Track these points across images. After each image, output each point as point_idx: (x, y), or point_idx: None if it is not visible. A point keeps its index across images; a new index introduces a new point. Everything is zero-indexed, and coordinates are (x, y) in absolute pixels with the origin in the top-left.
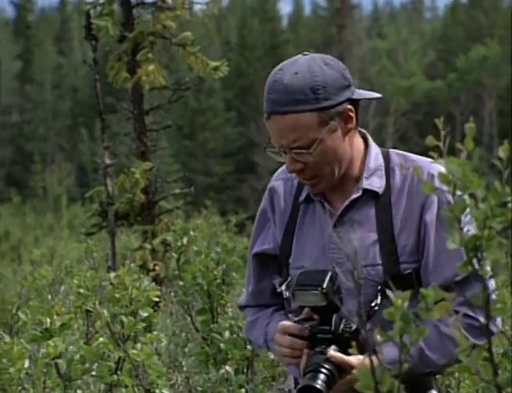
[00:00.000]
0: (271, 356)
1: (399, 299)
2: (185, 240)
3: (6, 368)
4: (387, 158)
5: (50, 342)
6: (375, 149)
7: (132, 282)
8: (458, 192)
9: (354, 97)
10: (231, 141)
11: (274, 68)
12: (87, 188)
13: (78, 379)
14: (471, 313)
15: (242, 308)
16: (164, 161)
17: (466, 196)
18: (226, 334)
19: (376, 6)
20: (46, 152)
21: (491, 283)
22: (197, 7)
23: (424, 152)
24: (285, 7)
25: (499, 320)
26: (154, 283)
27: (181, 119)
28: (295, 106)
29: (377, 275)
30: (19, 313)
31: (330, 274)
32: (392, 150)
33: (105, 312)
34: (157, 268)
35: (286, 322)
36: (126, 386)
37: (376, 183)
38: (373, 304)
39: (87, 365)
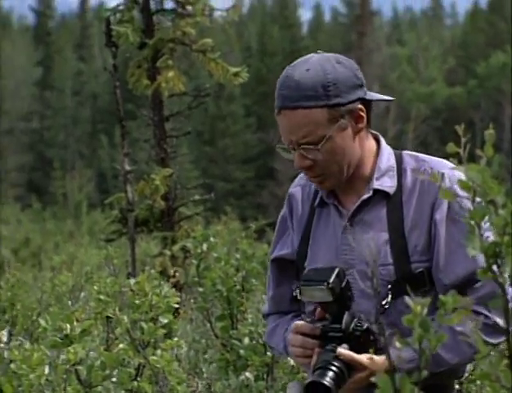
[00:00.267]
0: (291, 362)
1: (418, 305)
2: (205, 246)
3: (26, 375)
4: (399, 159)
5: (70, 348)
6: (387, 150)
7: (152, 288)
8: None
9: (366, 97)
10: (251, 147)
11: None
12: (107, 195)
13: (99, 385)
14: (485, 312)
15: (265, 316)
16: (184, 167)
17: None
18: (246, 340)
19: (396, 12)
20: (66, 159)
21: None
22: (217, 14)
23: (444, 159)
24: (305, 14)
25: None
26: (174, 290)
27: (201, 125)
28: (306, 101)
29: (388, 274)
30: (39, 319)
31: (337, 270)
32: (405, 151)
33: (125, 318)
34: (177, 274)
35: (299, 322)
36: None
37: (387, 183)
38: (383, 303)
39: (107, 371)
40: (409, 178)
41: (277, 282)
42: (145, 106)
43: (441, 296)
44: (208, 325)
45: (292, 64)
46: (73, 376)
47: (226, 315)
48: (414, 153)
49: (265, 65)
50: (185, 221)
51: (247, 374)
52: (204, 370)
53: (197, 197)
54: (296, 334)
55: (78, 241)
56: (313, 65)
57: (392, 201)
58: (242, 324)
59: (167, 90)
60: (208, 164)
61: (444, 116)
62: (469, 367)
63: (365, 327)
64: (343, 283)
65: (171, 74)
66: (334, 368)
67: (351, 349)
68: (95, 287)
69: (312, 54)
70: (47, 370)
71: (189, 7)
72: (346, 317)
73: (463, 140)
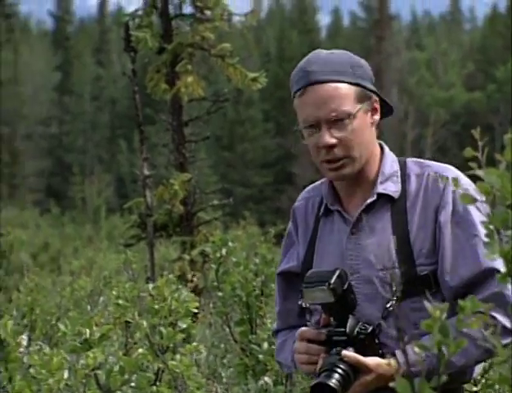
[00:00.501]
0: None
1: (437, 310)
2: (223, 251)
3: (45, 379)
4: (403, 165)
5: (89, 353)
6: (390, 156)
7: (170, 293)
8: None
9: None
10: (270, 151)
11: None
12: (125, 199)
13: (118, 390)
14: (492, 313)
15: (274, 334)
16: (203, 172)
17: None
18: (265, 345)
19: (415, 16)
20: (85, 164)
21: None
22: (236, 19)
23: (463, 163)
24: (323, 19)
25: None
26: (192, 294)
27: (219, 130)
28: (336, 76)
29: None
30: (58, 324)
31: (338, 272)
32: (409, 158)
33: (144, 323)
34: (196, 279)
35: (304, 328)
36: None
37: (391, 188)
38: (388, 305)
39: (126, 376)
40: (413, 183)
41: (284, 296)
42: (164, 111)
43: (460, 301)
44: (227, 330)
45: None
46: (92, 380)
47: (245, 320)
48: (418, 160)
49: (283, 70)
50: (204, 226)
51: (266, 379)
52: (222, 375)
53: (216, 202)
54: (301, 341)
55: (96, 246)
56: (335, 51)
57: (396, 206)
58: (261, 329)
59: (186, 95)
60: (226, 169)
61: (463, 121)
62: (477, 370)
63: (369, 330)
64: (346, 285)
65: (190, 79)
66: (339, 371)
67: (356, 352)
68: (114, 292)
69: None
70: (66, 375)
71: (207, 12)
72: (350, 320)
73: (480, 144)
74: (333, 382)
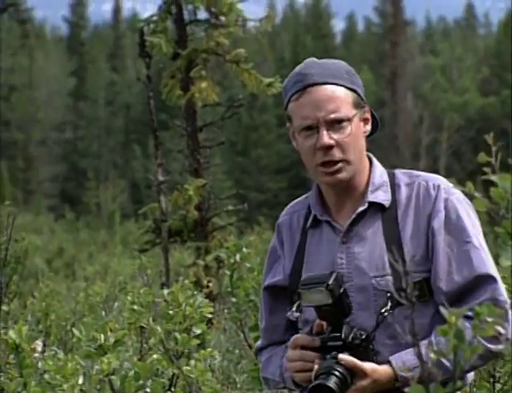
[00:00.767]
0: None
1: (453, 316)
2: (238, 257)
3: (60, 385)
4: (391, 176)
5: (104, 359)
6: (379, 168)
7: (185, 298)
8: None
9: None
10: (284, 157)
11: None
12: (140, 205)
13: None
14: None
15: (258, 351)
16: (217, 178)
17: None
18: None
19: (430, 22)
20: (99, 169)
21: None
22: (250, 24)
23: (477, 169)
24: (338, 24)
25: None
26: (207, 300)
27: (234, 135)
28: (333, 79)
29: (386, 285)
30: (73, 329)
31: (335, 274)
32: (397, 170)
33: (159, 328)
34: (210, 284)
35: (298, 335)
36: None
37: (382, 196)
38: (383, 311)
39: (140, 382)
40: (403, 193)
41: (270, 310)
42: (179, 117)
43: (476, 307)
44: (242, 335)
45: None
46: (106, 386)
47: (259, 325)
48: (406, 170)
49: None
50: (218, 231)
51: None
52: (237, 380)
53: (230, 207)
54: (294, 349)
55: (111, 252)
56: (330, 60)
57: (387, 214)
58: None
59: (200, 100)
60: (241, 175)
61: (478, 126)
62: (470, 377)
63: (364, 336)
64: (342, 289)
65: (204, 84)
66: (337, 373)
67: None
68: (128, 298)
69: None
70: (80, 380)
71: (222, 18)
72: (345, 326)
73: (494, 149)
74: (332, 383)
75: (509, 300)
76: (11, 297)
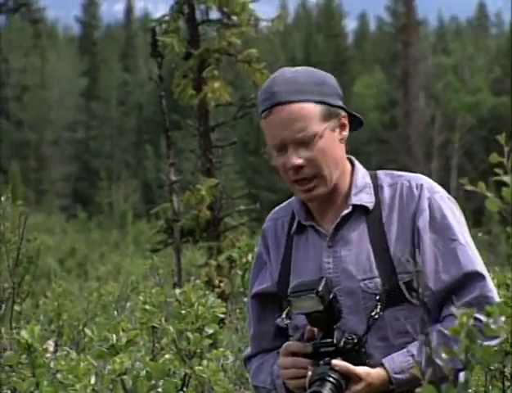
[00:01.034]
0: None
1: (464, 316)
2: (250, 256)
3: (72, 385)
4: (374, 177)
5: (116, 358)
6: (361, 170)
7: (197, 298)
8: None
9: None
10: None
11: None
12: (152, 205)
13: None
14: (477, 315)
15: (247, 360)
16: (230, 178)
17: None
18: None
19: (442, 22)
20: (111, 169)
21: None
22: (262, 24)
23: (489, 168)
24: (350, 24)
25: None
26: (219, 300)
27: (246, 135)
28: (300, 95)
29: (375, 287)
30: (85, 329)
31: (324, 280)
32: (379, 171)
33: (171, 328)
34: (222, 284)
35: (289, 342)
36: None
37: (365, 199)
38: (373, 314)
39: (153, 382)
40: (387, 193)
41: (258, 318)
42: (191, 117)
43: (487, 307)
44: None
45: (274, 73)
46: (119, 386)
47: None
48: (388, 171)
49: None
50: (230, 231)
51: None
52: (249, 380)
53: (242, 207)
54: (286, 356)
55: (123, 251)
56: (299, 69)
57: (371, 217)
58: None
59: (212, 100)
60: (253, 175)
61: (490, 126)
62: (461, 378)
63: (356, 339)
64: (332, 294)
65: (216, 84)
66: (331, 380)
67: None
68: (140, 297)
69: None
70: (93, 380)
71: (234, 18)
72: (336, 331)
73: (506, 149)
74: (327, 390)
75: (497, 296)
76: (24, 297)
